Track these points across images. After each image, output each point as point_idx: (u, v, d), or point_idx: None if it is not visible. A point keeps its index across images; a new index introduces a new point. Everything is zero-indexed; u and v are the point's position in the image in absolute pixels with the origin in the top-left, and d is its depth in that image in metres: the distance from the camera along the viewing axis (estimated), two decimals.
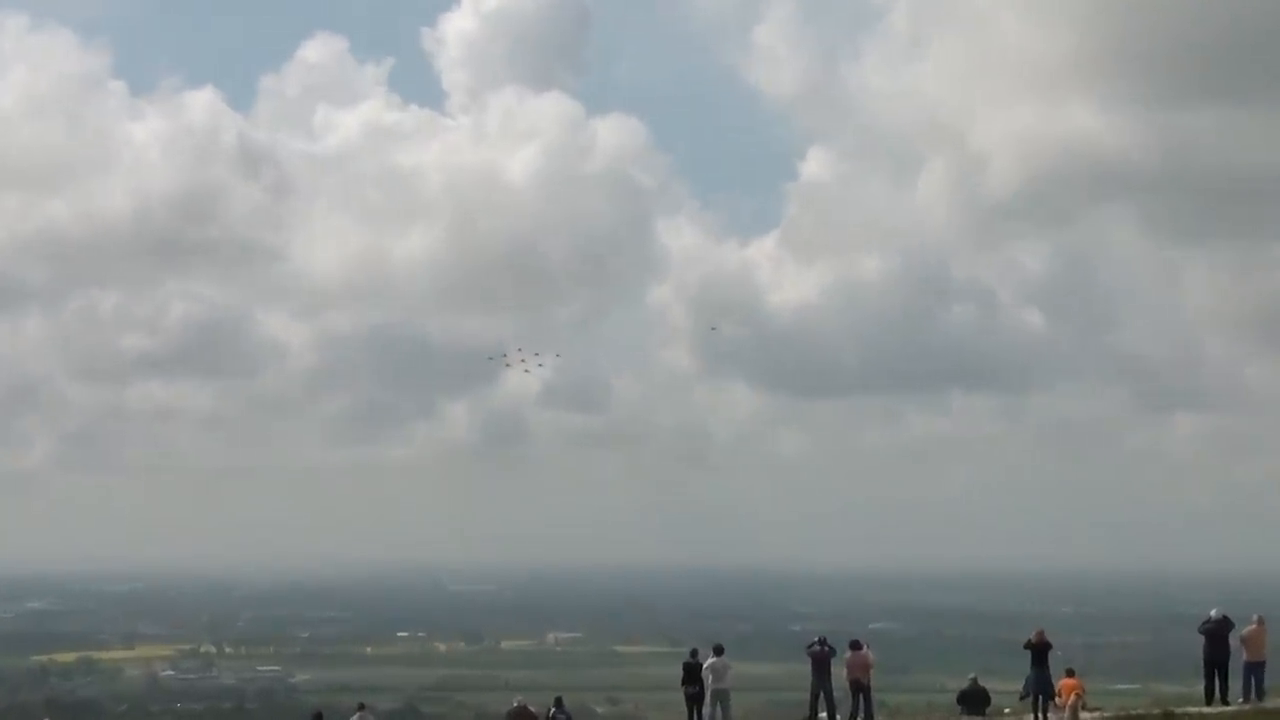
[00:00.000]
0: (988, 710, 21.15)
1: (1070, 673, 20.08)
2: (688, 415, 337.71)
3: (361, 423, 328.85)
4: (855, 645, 20.54)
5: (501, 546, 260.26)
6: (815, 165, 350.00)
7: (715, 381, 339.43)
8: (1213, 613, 20.97)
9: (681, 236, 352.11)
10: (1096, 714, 20.45)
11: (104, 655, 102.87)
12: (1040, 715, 20.07)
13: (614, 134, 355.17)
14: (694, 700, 20.43)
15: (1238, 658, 20.65)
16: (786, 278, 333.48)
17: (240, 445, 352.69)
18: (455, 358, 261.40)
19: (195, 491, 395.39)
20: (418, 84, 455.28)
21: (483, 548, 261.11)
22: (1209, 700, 20.61)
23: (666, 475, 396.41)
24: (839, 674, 20.55)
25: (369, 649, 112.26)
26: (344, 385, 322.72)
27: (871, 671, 20.57)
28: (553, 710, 20.62)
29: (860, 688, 20.44)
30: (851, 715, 20.54)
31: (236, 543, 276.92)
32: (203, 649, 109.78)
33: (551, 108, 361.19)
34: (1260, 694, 20.54)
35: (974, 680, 21.48)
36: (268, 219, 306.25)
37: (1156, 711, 20.18)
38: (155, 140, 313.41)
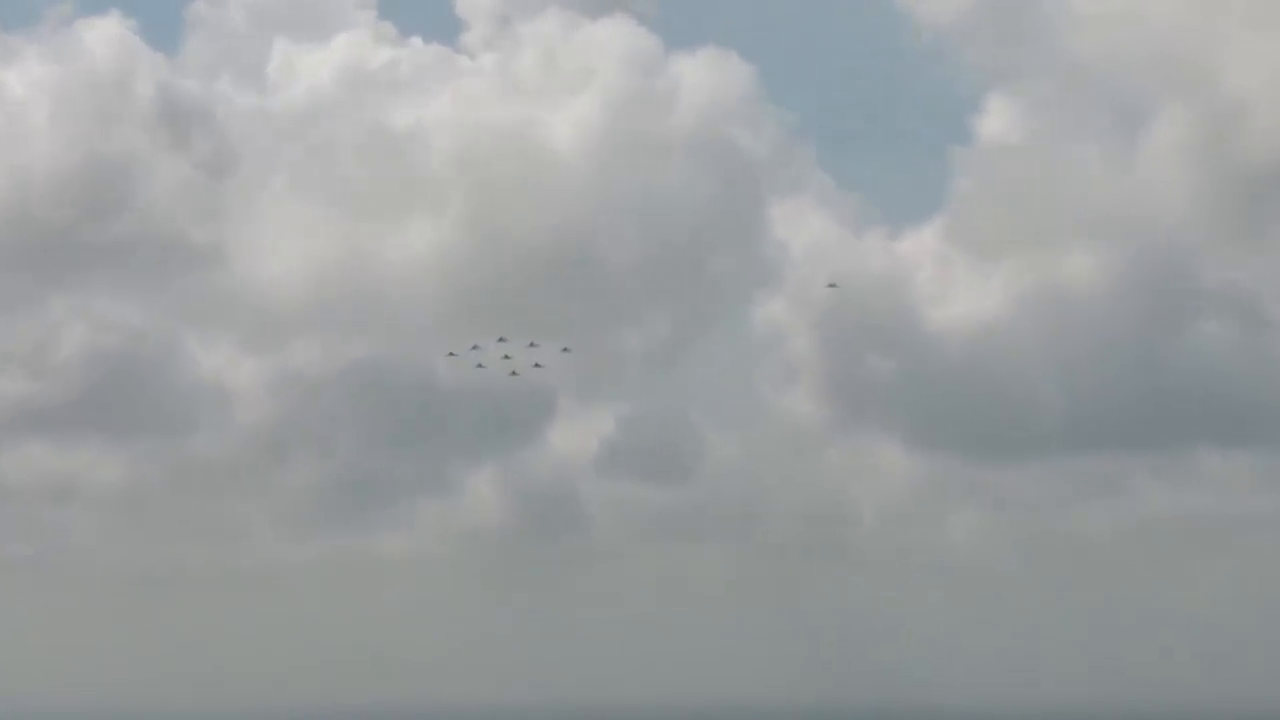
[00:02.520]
0: None
1: None
2: (816, 488, 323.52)
3: (342, 501, 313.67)
4: None
5: (547, 681, 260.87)
6: (996, 121, 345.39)
7: (856, 437, 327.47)
8: None
9: (805, 226, 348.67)
10: None
11: None
12: None
13: (706, 79, 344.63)
14: None
15: None
16: (957, 284, 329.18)
17: (165, 536, 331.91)
18: (477, 405, 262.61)
19: (102, 603, 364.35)
20: (421, 8, 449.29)
21: (520, 683, 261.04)
22: None
23: (785, 577, 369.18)
24: None
25: None
26: (315, 446, 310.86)
27: None
28: None
29: None
30: None
31: (162, 679, 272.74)
32: None
33: (615, 40, 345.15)
34: None
35: None
36: (203, 207, 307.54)
37: None
38: (37, 93, 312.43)
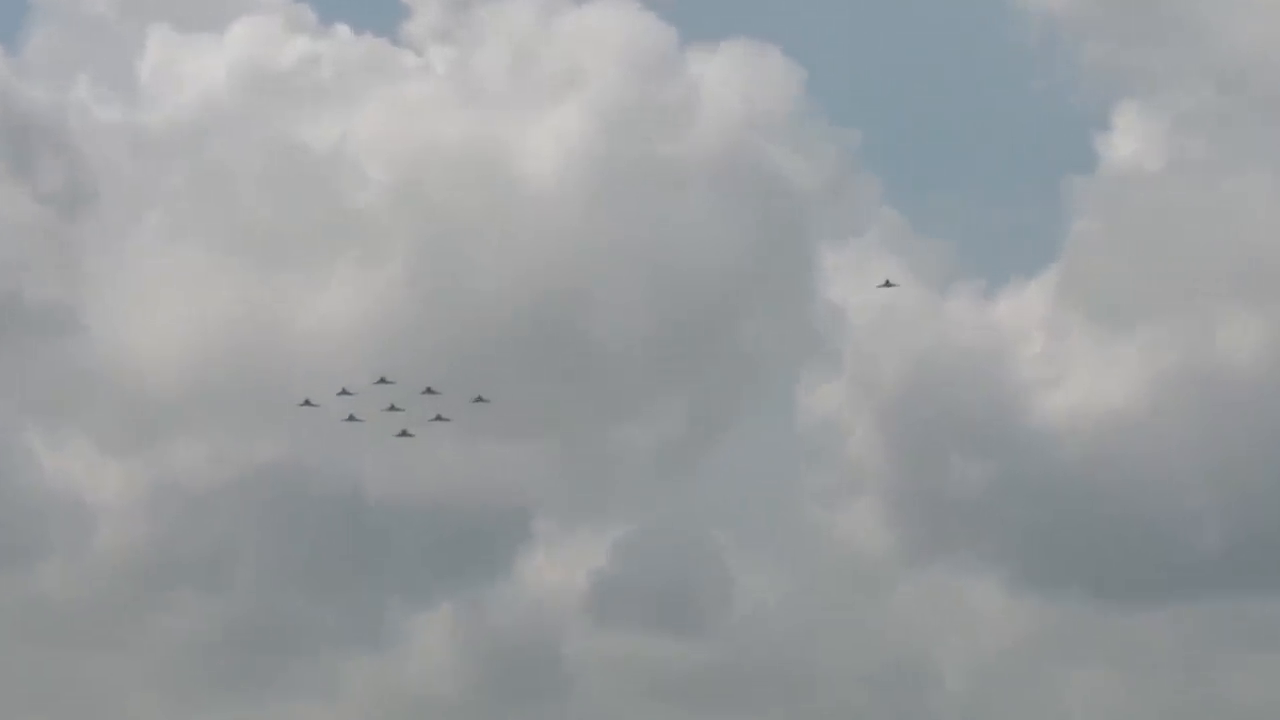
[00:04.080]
0: None
1: None
2: (884, 639, 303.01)
3: (240, 656, 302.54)
4: None
5: None
6: (1128, 142, 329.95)
7: (938, 571, 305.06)
8: None
9: (869, 282, 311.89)
10: None
11: None
12: None
13: (737, 83, 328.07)
14: None
15: None
16: (1075, 361, 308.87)
17: (3, 699, 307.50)
18: (424, 526, 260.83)
19: None
20: None
21: None
22: None
23: None
24: None
25: None
26: (204, 581, 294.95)
27: None
28: None
29: None
30: None
31: None
32: None
33: (612, 30, 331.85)
34: None
35: None
36: (51, 255, 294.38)
37: None
38: None
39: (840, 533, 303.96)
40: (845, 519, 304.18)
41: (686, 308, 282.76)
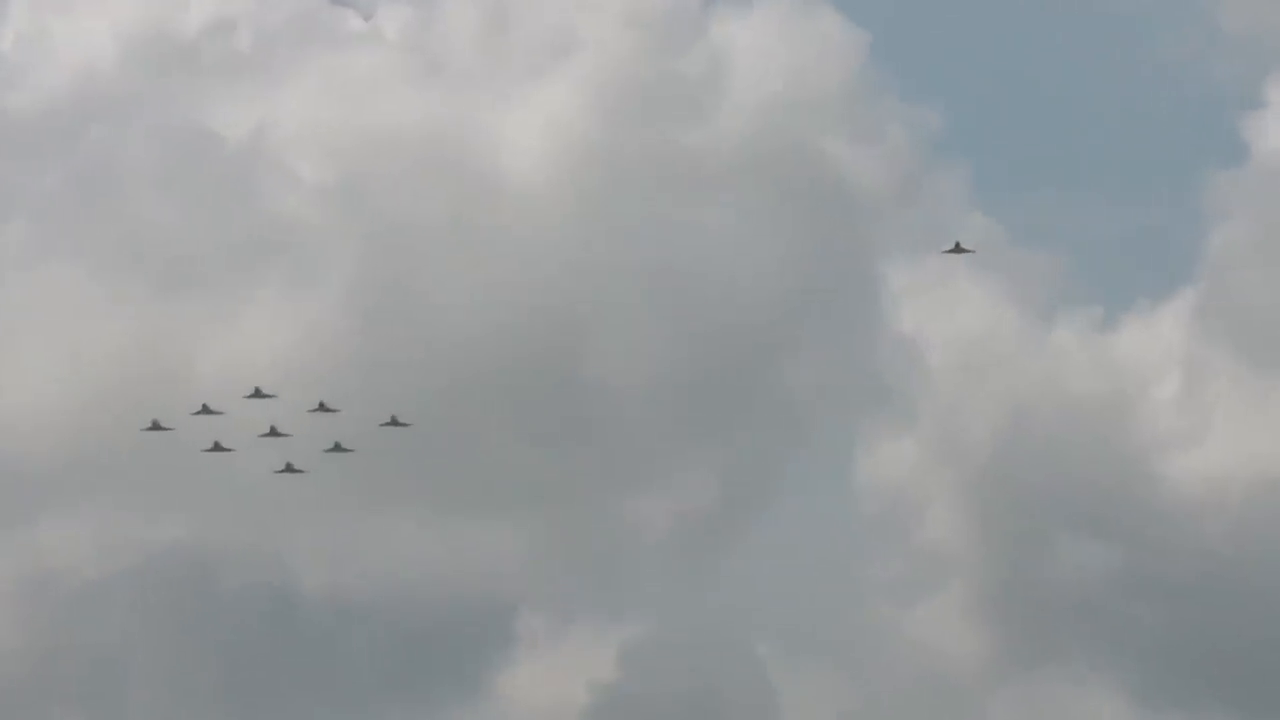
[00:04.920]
0: None
1: None
2: None
3: None
4: None
5: None
6: None
7: (1045, 682, 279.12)
8: None
9: (950, 309, 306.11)
10: None
11: None
12: None
13: (778, 54, 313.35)
14: None
15: None
16: (1220, 411, 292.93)
17: None
18: (376, 629, 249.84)
19: None
20: None
21: None
22: None
23: None
24: None
25: None
26: (91, 699, 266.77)
27: None
28: None
29: None
30: None
31: None
32: None
33: None
34: None
35: None
36: None
37: None
38: None
39: (915, 634, 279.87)
40: (921, 616, 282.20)
41: (714, 344, 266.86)
